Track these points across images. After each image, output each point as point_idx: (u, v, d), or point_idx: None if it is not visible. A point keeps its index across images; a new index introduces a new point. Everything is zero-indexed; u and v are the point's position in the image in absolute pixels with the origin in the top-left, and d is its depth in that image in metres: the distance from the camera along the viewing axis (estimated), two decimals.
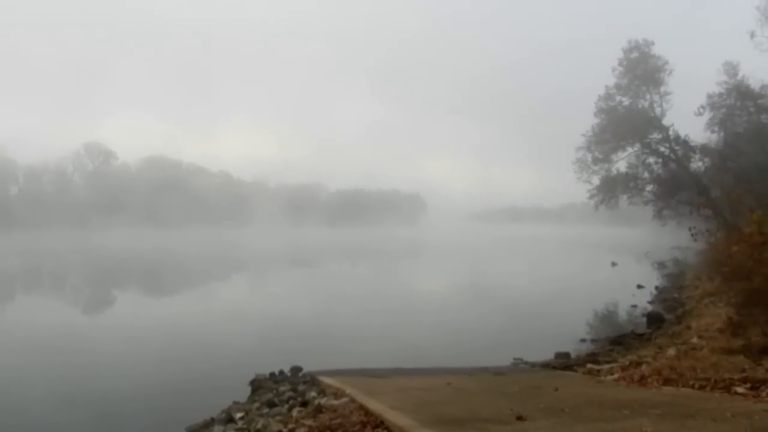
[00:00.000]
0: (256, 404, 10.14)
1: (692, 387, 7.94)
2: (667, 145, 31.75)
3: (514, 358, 13.88)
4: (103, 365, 14.50)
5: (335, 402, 8.75)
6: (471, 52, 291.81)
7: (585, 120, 33.25)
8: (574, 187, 35.48)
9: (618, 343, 15.63)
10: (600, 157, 32.49)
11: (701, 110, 30.37)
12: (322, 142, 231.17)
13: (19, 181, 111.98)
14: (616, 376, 10.06)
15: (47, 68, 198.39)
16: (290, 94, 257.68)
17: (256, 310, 23.97)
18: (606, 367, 11.42)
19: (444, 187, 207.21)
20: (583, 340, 16.91)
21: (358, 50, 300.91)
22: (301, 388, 10.69)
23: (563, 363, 13.05)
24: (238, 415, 9.60)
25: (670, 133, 31.31)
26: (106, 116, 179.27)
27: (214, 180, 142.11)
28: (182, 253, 65.03)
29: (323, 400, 9.10)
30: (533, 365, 13.11)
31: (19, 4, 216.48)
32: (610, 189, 33.10)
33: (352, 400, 8.47)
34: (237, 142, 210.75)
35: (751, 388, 7.31)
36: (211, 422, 9.60)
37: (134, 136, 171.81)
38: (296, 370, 12.39)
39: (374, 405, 7.75)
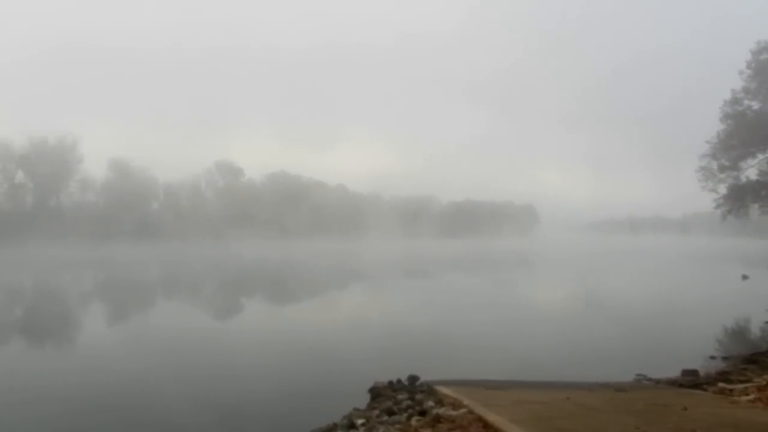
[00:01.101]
0: (376, 411, 10.45)
1: None
2: None
3: (637, 374, 13.33)
4: (231, 369, 15.35)
5: (453, 413, 8.87)
6: (579, 58, 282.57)
7: (708, 126, 31.44)
8: (697, 196, 33.61)
9: (752, 362, 14.51)
10: (727, 164, 30.54)
11: None
12: (434, 155, 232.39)
13: (159, 197, 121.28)
14: (751, 396, 9.46)
15: (182, 94, 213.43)
16: (403, 108, 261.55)
17: (375, 319, 24.52)
18: (740, 386, 10.74)
19: (558, 198, 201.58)
20: (712, 357, 15.86)
21: (468, 62, 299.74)
22: (418, 397, 10.89)
23: (691, 381, 12.35)
24: (360, 421, 9.92)
25: None
26: (234, 136, 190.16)
27: (332, 193, 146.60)
28: (305, 262, 67.75)
29: (441, 410, 9.25)
30: (658, 382, 12.51)
31: (157, 39, 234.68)
32: (739, 198, 30.97)
33: (470, 411, 8.56)
34: (353, 156, 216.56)
35: None
36: (334, 427, 9.93)
37: (259, 153, 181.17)
38: (413, 379, 12.62)
39: (492, 417, 7.79)
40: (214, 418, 11.08)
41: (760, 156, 30.35)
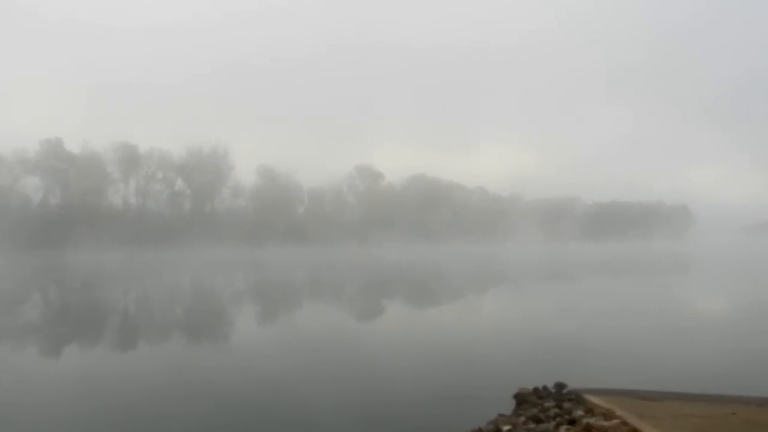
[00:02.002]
0: (522, 418, 10.18)
1: None
2: None
3: None
4: (376, 370, 15.64)
5: (605, 423, 8.45)
6: (728, 49, 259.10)
7: None
8: None
9: None
10: None
11: None
12: (576, 155, 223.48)
13: (304, 202, 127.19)
14: None
15: (324, 101, 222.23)
16: (542, 108, 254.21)
17: (518, 324, 24.00)
18: None
19: (714, 198, 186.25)
20: None
21: (608, 59, 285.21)
22: (566, 405, 10.48)
23: None
24: (506, 428, 9.70)
25: None
26: (374, 141, 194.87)
27: (472, 195, 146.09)
28: (447, 265, 67.97)
29: (592, 420, 8.83)
30: None
31: (298, 50, 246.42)
32: None
33: (624, 423, 8.11)
34: (492, 158, 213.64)
35: None
36: None
37: (398, 157, 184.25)
38: (560, 386, 12.17)
39: (649, 430, 7.33)
40: (359, 419, 11.28)
41: None
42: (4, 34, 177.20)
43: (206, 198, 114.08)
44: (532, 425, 9.58)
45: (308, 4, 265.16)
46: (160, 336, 22.45)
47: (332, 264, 71.20)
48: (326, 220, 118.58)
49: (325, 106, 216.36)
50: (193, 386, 13.88)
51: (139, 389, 13.66)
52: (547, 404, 10.78)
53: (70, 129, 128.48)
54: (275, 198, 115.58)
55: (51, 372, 16.32)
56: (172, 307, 32.54)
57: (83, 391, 13.65)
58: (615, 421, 8.38)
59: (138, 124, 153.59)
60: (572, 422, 9.18)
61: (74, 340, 21.79)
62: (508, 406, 11.34)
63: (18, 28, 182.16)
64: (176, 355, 18.40)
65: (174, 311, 30.74)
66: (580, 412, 9.60)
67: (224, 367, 16.19)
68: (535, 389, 12.14)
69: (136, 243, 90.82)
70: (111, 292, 40.51)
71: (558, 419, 9.59)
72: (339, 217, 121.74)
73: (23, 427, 11.00)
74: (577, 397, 10.81)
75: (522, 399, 11.62)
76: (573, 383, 11.93)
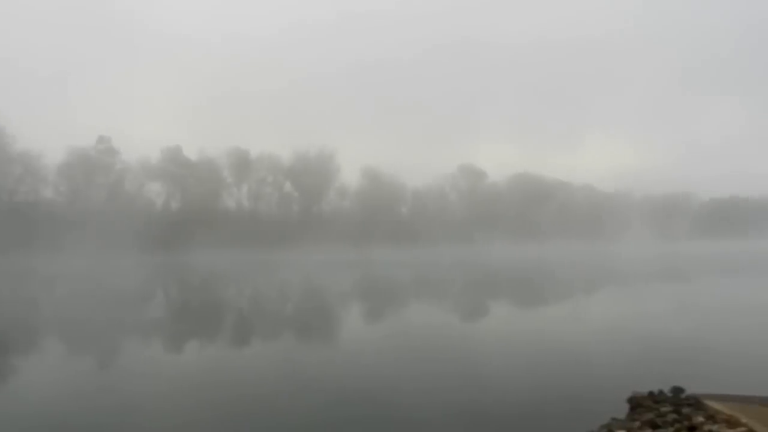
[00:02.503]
0: (637, 423, 9.82)
1: None
2: None
3: None
4: (482, 369, 15.49)
5: (729, 431, 8.04)
6: None
7: None
8: None
9: None
10: None
11: None
12: (689, 149, 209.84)
13: (408, 202, 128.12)
14: None
15: (425, 102, 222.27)
16: (648, 101, 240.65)
17: (630, 325, 23.04)
18: None
19: None
20: None
21: (717, 49, 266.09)
22: (685, 410, 10.02)
23: None
24: None
25: None
26: (476, 139, 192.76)
27: (578, 193, 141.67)
28: (553, 264, 66.35)
29: (714, 428, 8.42)
30: None
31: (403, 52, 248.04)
32: None
33: (751, 431, 7.68)
34: (598, 154, 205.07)
35: None
36: None
37: (500, 156, 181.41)
38: (677, 390, 11.63)
39: None
40: (467, 419, 11.24)
41: None
42: (126, 51, 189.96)
43: (313, 200, 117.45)
44: (648, 431, 9.25)
45: (408, 4, 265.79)
46: (273, 332, 23.33)
47: (438, 263, 71.31)
48: (430, 220, 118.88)
49: (427, 106, 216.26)
50: (303, 381, 14.25)
51: (253, 383, 14.20)
52: (663, 409, 10.35)
53: (188, 137, 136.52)
54: (380, 199, 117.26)
55: (172, 364, 17.36)
56: (285, 305, 33.79)
57: (201, 383, 14.31)
58: (741, 429, 7.95)
59: (249, 130, 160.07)
60: (692, 429, 8.79)
61: (194, 335, 22.99)
62: (622, 411, 10.98)
63: (137, 45, 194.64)
64: (288, 351, 19.02)
65: (287, 309, 31.89)
66: (700, 419, 9.17)
67: (333, 364, 16.58)
68: (651, 393, 11.68)
69: (250, 244, 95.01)
70: (228, 291, 42.61)
71: (677, 425, 9.19)
72: (443, 217, 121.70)
73: (149, 414, 11.71)
74: (696, 403, 10.31)
75: (637, 403, 11.21)
76: (691, 388, 11.38)
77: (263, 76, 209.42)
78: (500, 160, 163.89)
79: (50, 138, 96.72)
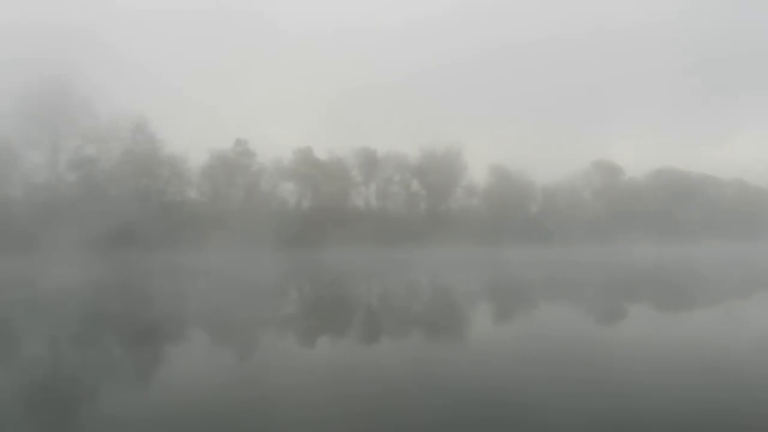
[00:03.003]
0: None
1: None
2: None
3: None
4: (622, 375, 13.99)
5: None
6: None
7: None
8: None
9: None
10: None
11: None
12: None
13: (538, 200, 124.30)
14: None
15: (554, 96, 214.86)
16: None
17: None
18: None
19: None
20: None
21: None
22: None
23: None
24: None
25: None
26: (610, 134, 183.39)
27: (727, 189, 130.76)
28: (702, 265, 61.31)
29: None
30: None
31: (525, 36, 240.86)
32: None
33: None
34: (752, 146, 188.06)
35: None
36: None
37: (638, 150, 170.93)
38: None
39: None
40: (603, 430, 10.12)
41: None
42: (257, 55, 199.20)
43: (441, 198, 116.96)
44: None
45: None
46: (402, 330, 22.80)
47: (573, 263, 68.18)
48: (562, 219, 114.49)
49: (556, 100, 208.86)
50: (431, 380, 13.68)
51: (381, 380, 13.85)
52: None
53: (318, 138, 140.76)
54: (508, 197, 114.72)
55: (305, 358, 17.22)
56: (413, 303, 33.25)
57: (332, 378, 14.09)
58: None
59: (376, 129, 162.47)
60: None
61: (326, 331, 22.93)
62: None
63: (268, 48, 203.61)
64: (417, 350, 18.40)
65: (415, 307, 31.32)
66: None
67: (462, 364, 15.72)
68: None
69: (378, 242, 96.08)
70: (358, 288, 42.86)
71: None
72: (575, 215, 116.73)
73: (284, 407, 11.57)
74: None
75: None
76: None
77: (387, 72, 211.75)
78: (638, 154, 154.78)
79: (194, 142, 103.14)
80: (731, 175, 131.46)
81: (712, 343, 18.53)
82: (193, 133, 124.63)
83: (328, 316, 27.47)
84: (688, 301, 32.72)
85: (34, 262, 66.37)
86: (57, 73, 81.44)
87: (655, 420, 10.52)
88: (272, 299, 35.17)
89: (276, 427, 10.47)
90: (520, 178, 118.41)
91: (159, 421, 10.78)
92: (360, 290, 41.14)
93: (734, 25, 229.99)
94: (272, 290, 40.76)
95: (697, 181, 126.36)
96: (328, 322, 25.33)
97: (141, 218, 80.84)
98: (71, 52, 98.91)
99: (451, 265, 66.44)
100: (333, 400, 12.06)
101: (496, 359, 16.20)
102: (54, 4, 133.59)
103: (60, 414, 11.69)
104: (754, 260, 69.60)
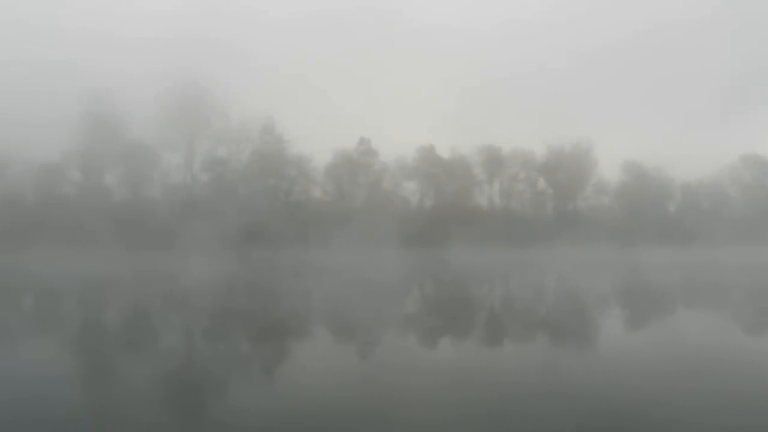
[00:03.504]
0: None
1: None
2: None
3: None
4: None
5: None
6: None
7: None
8: None
9: None
10: None
11: None
12: None
13: (677, 198, 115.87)
14: None
15: (691, 85, 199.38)
16: None
17: None
18: None
19: None
20: None
21: None
22: None
23: None
24: None
25: None
26: (763, 126, 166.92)
27: None
28: None
29: None
30: None
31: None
32: None
33: None
34: None
35: None
36: None
37: None
38: None
39: None
40: None
41: None
42: (381, 53, 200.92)
43: (569, 197, 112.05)
44: None
45: None
46: (527, 334, 21.08)
47: (718, 266, 62.28)
48: (705, 218, 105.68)
49: (697, 90, 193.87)
50: (557, 386, 12.51)
51: (504, 383, 12.97)
52: None
53: (441, 136, 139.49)
54: (644, 195, 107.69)
55: (427, 358, 16.26)
56: (539, 305, 31.16)
57: (455, 380, 13.23)
58: None
59: (500, 125, 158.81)
60: None
61: (448, 331, 21.83)
62: None
63: (391, 45, 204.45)
64: (542, 354, 16.77)
65: (541, 310, 29.23)
66: None
67: (590, 371, 14.15)
68: None
69: (503, 242, 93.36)
70: (481, 288, 41.30)
71: None
72: (720, 214, 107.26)
73: (405, 405, 10.95)
74: None
75: None
76: None
77: (513, 68, 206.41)
78: None
79: (319, 141, 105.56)
80: None
81: None
82: (318, 132, 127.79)
83: (454, 316, 26.27)
84: None
85: (173, 258, 70.31)
86: (193, 79, 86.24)
87: None
88: (400, 298, 34.52)
89: (399, 428, 9.84)
90: (656, 175, 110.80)
91: (284, 417, 10.39)
92: (485, 291, 39.53)
93: None
94: (399, 289, 40.16)
95: None
96: (452, 322, 24.17)
97: (269, 217, 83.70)
98: (206, 59, 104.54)
99: (582, 267, 62.94)
100: (454, 402, 11.30)
101: (627, 368, 14.40)
102: (190, 15, 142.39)
103: (192, 401, 11.76)
104: None
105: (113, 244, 71.80)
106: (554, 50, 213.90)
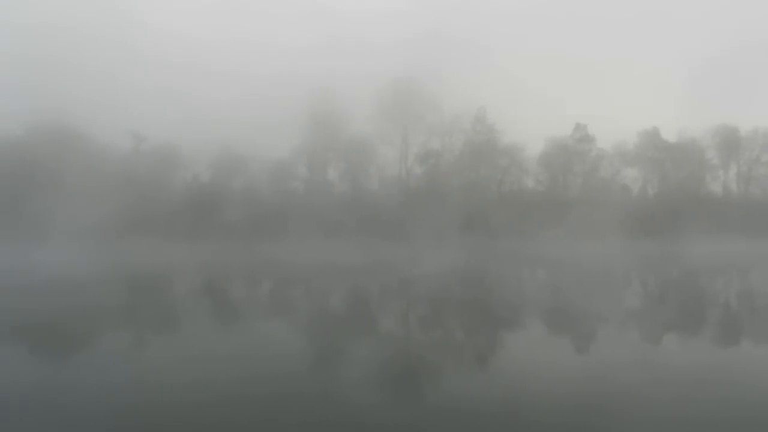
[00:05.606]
0: None
1: None
2: None
3: None
4: None
5: None
6: None
7: None
8: None
9: None
10: None
11: None
12: None
13: None
14: None
15: None
16: None
17: None
18: None
19: None
20: None
21: None
22: None
23: None
24: None
25: None
26: None
27: None
28: None
29: None
30: None
31: None
32: None
33: None
34: None
35: None
36: None
37: None
38: None
39: None
40: None
41: None
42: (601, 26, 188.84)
43: None
44: None
45: None
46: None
47: None
48: None
49: None
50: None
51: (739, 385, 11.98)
52: None
53: (666, 117, 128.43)
54: None
55: (655, 361, 14.71)
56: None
57: (674, 378, 12.47)
58: None
59: (739, 102, 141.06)
60: None
61: (675, 329, 20.21)
62: None
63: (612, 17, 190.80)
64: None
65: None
66: None
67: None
68: None
69: (741, 232, 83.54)
70: (713, 284, 37.89)
71: None
72: None
73: (629, 403, 10.65)
74: None
75: None
76: None
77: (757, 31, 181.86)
78: None
79: (531, 130, 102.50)
80: None
81: None
82: (531, 121, 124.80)
83: (674, 314, 24.27)
84: None
85: (400, 247, 72.55)
86: (411, 76, 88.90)
87: None
88: (610, 292, 33.00)
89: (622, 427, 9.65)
90: None
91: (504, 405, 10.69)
92: (712, 288, 36.05)
93: None
94: (613, 282, 38.37)
95: None
96: (673, 320, 22.24)
97: (484, 208, 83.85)
98: (427, 53, 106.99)
99: None
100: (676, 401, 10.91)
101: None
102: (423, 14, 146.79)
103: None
104: None
105: (344, 234, 76.54)
106: None
